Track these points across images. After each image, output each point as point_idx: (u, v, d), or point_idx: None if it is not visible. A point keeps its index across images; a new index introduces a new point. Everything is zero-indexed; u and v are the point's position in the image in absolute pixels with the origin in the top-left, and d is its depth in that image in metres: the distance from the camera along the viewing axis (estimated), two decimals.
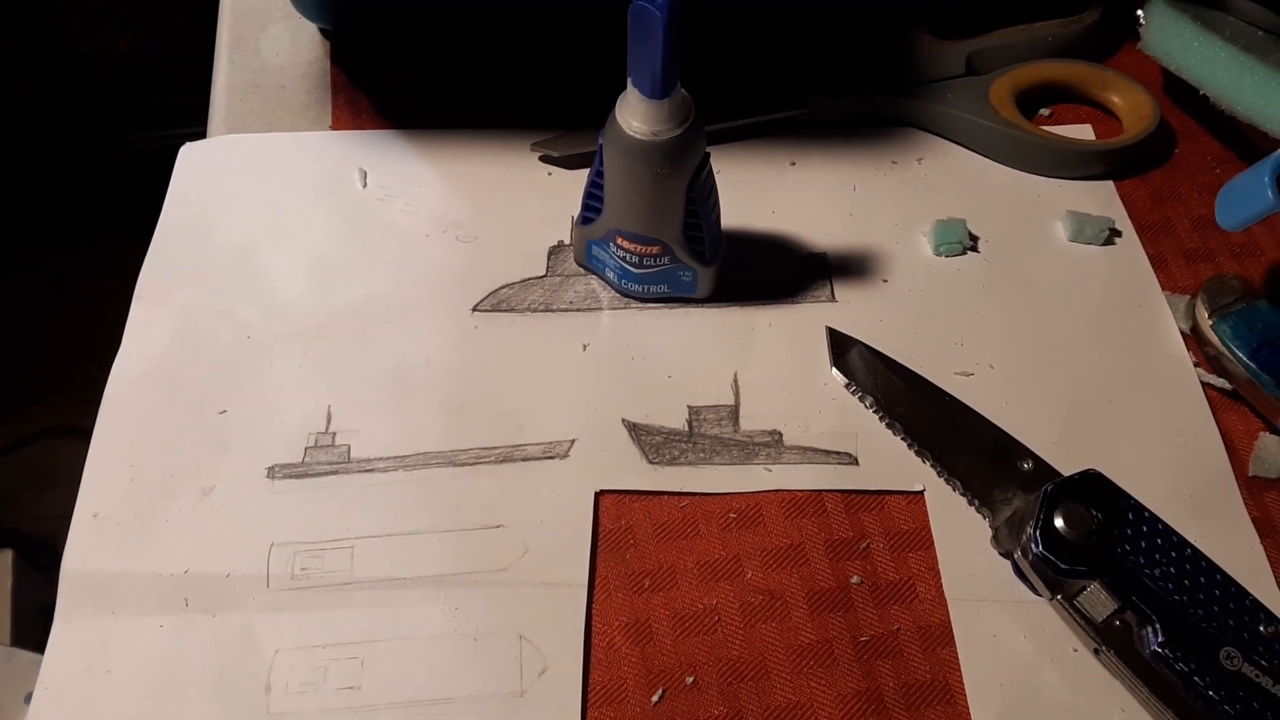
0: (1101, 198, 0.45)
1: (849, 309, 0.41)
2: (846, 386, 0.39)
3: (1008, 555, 0.35)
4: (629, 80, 0.34)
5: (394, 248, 0.43)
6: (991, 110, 0.45)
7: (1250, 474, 0.38)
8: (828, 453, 0.38)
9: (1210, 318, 0.40)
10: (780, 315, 0.41)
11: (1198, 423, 0.39)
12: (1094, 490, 0.34)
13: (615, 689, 0.33)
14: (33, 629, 1.01)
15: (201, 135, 0.47)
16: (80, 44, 1.32)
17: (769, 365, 0.40)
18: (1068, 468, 0.35)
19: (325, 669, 0.32)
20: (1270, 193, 0.37)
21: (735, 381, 0.39)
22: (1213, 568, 0.32)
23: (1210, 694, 0.31)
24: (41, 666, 0.32)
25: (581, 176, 0.42)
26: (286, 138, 0.46)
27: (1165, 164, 0.46)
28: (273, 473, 0.36)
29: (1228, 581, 0.32)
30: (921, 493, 0.37)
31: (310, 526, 0.35)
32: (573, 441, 0.38)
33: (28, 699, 0.92)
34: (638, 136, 0.34)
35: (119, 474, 0.36)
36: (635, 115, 0.34)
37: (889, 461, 0.37)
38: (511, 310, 0.41)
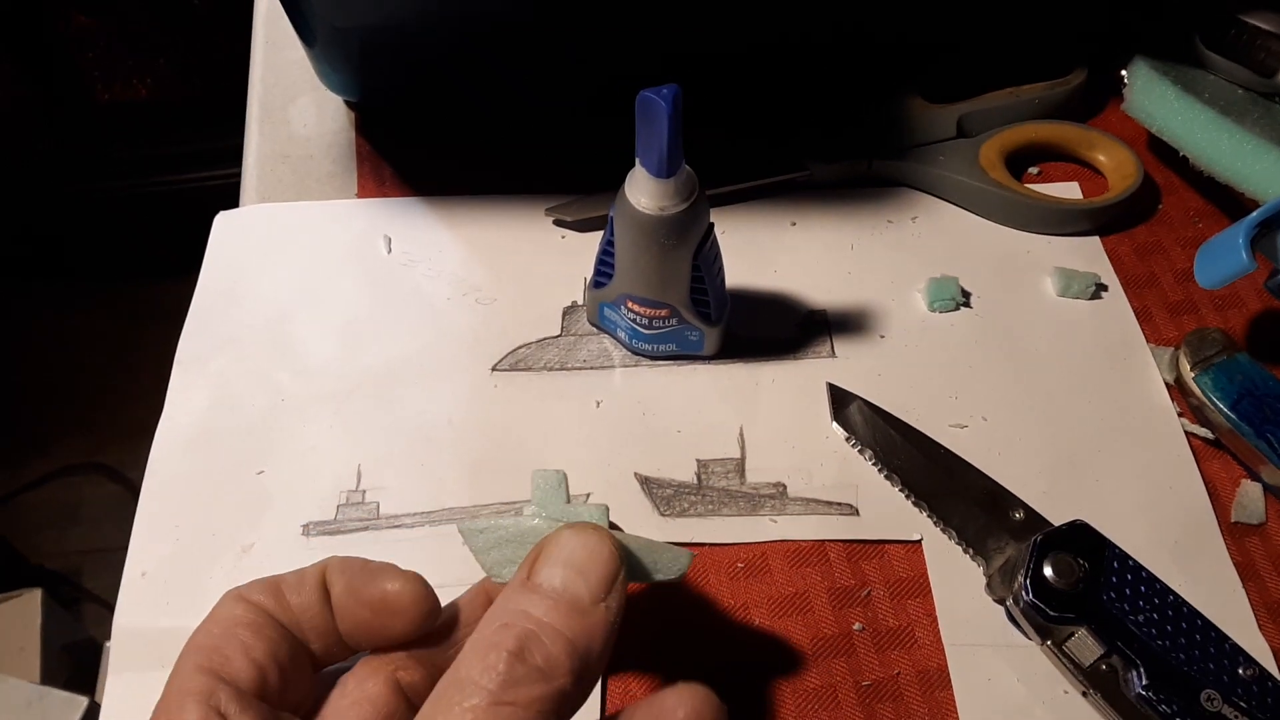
0: (1088, 253, 0.47)
1: (848, 364, 0.44)
2: (847, 440, 0.41)
3: (1001, 602, 0.37)
4: (637, 160, 0.36)
5: (417, 311, 0.45)
6: (981, 171, 0.48)
7: (1232, 520, 0.40)
8: (830, 504, 0.40)
9: (1193, 370, 0.42)
10: (783, 371, 0.43)
11: (1182, 471, 0.41)
12: (1081, 540, 0.36)
13: None
14: (60, 666, 1.03)
15: (222, 180, 0.49)
16: (101, 93, 1.36)
17: (773, 420, 0.42)
18: (1057, 516, 0.37)
19: None
20: (1244, 254, 0.39)
21: (741, 435, 0.42)
22: (1194, 613, 0.34)
23: None
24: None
25: (594, 239, 0.44)
26: (315, 206, 0.48)
27: (1149, 219, 0.49)
28: (308, 530, 0.39)
29: (1208, 626, 0.34)
30: (919, 542, 0.39)
31: None
32: (588, 495, 0.40)
33: None
34: (645, 212, 0.37)
35: (165, 534, 0.38)
36: (643, 192, 0.37)
37: (888, 512, 0.40)
38: (529, 369, 0.44)
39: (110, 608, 0.36)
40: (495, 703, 0.23)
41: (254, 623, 0.27)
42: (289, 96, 0.53)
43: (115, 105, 1.37)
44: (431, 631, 0.29)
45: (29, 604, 1.04)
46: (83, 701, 0.90)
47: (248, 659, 0.26)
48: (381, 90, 0.51)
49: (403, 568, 0.29)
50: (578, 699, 0.25)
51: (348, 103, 0.52)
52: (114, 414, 1.44)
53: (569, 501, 0.30)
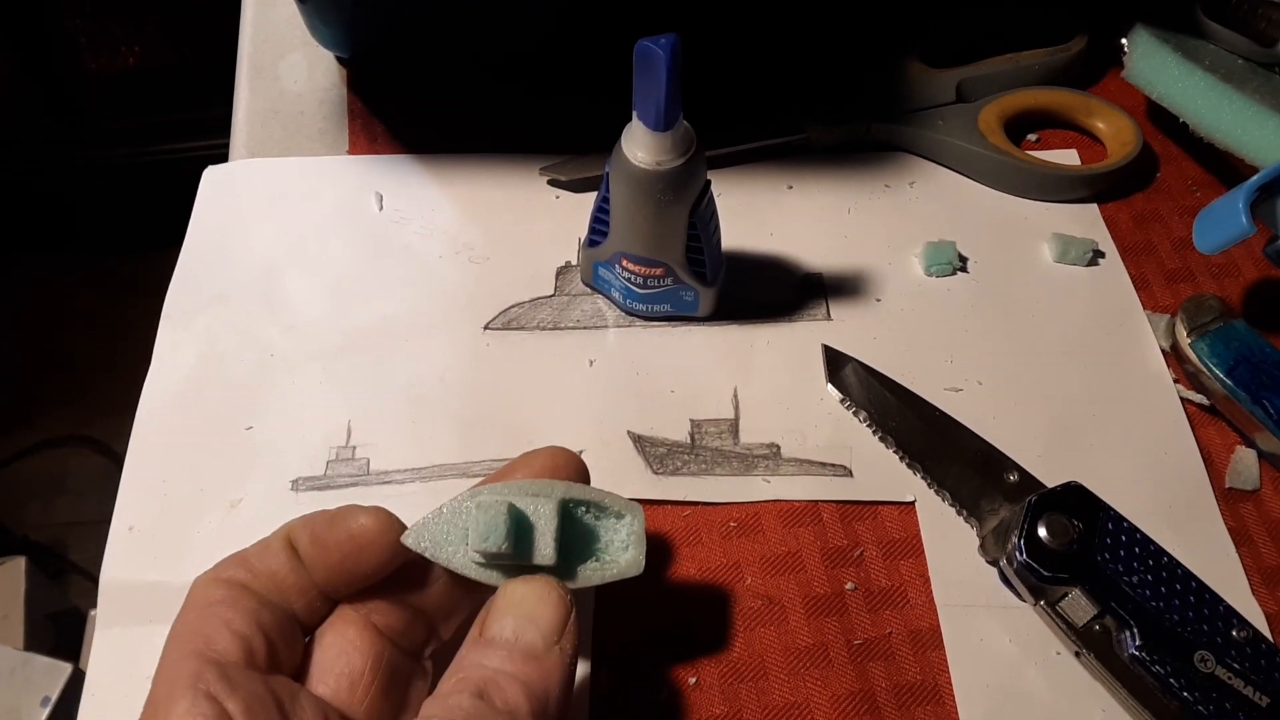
0: (1086, 220, 0.47)
1: (844, 327, 0.43)
2: (841, 402, 0.41)
3: (994, 563, 0.37)
4: (634, 113, 0.36)
5: (409, 269, 0.45)
6: (980, 136, 0.47)
7: (1227, 485, 0.40)
8: (823, 465, 0.39)
9: (1189, 336, 0.42)
10: (778, 333, 0.43)
11: (1177, 437, 0.41)
12: (1075, 501, 0.35)
13: (622, 689, 0.35)
14: (44, 635, 1.02)
15: (210, 150, 0.49)
16: (88, 61, 1.35)
17: (767, 381, 0.42)
18: (1051, 479, 0.37)
19: None
20: (1244, 218, 0.39)
21: (735, 396, 0.41)
22: (1188, 575, 0.34)
23: (1185, 695, 0.32)
24: (87, 674, 0.34)
25: (588, 199, 0.44)
26: (306, 162, 0.48)
27: (1147, 187, 0.48)
28: (297, 485, 0.38)
29: (1202, 588, 0.34)
30: (912, 503, 0.39)
31: None
32: (580, 453, 0.39)
33: (44, 703, 0.94)
34: (642, 166, 0.36)
35: (152, 489, 0.38)
36: (640, 146, 0.36)
37: (882, 473, 0.39)
38: (521, 328, 0.43)
39: (95, 579, 0.36)
40: None
41: (228, 597, 0.27)
42: (280, 52, 0.52)
43: (103, 74, 1.35)
44: (404, 574, 0.29)
45: (13, 571, 1.03)
46: (66, 668, 0.90)
47: (230, 632, 0.26)
48: (373, 46, 0.50)
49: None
50: None
51: (339, 59, 0.52)
52: (101, 387, 1.43)
53: (514, 543, 0.28)
